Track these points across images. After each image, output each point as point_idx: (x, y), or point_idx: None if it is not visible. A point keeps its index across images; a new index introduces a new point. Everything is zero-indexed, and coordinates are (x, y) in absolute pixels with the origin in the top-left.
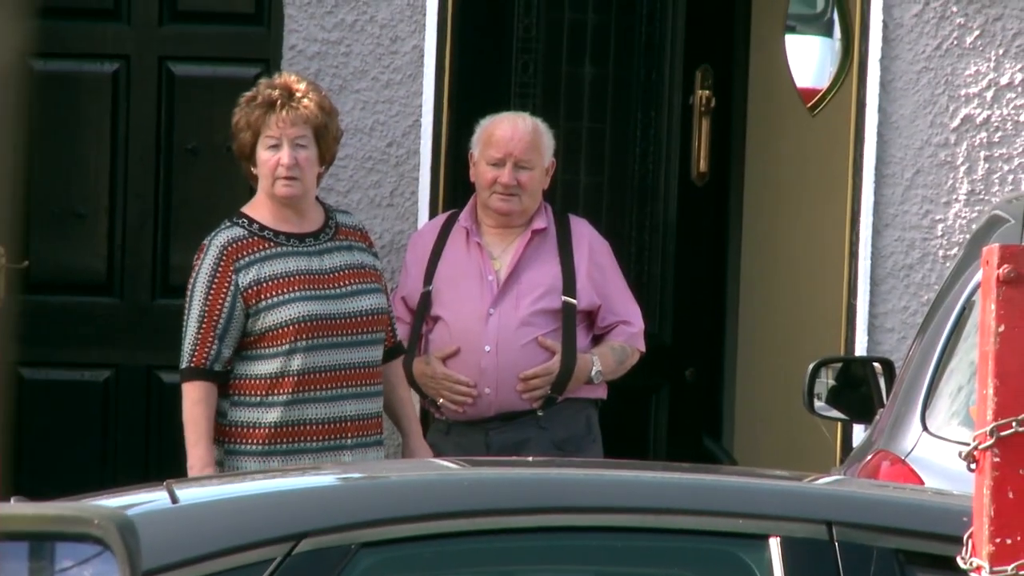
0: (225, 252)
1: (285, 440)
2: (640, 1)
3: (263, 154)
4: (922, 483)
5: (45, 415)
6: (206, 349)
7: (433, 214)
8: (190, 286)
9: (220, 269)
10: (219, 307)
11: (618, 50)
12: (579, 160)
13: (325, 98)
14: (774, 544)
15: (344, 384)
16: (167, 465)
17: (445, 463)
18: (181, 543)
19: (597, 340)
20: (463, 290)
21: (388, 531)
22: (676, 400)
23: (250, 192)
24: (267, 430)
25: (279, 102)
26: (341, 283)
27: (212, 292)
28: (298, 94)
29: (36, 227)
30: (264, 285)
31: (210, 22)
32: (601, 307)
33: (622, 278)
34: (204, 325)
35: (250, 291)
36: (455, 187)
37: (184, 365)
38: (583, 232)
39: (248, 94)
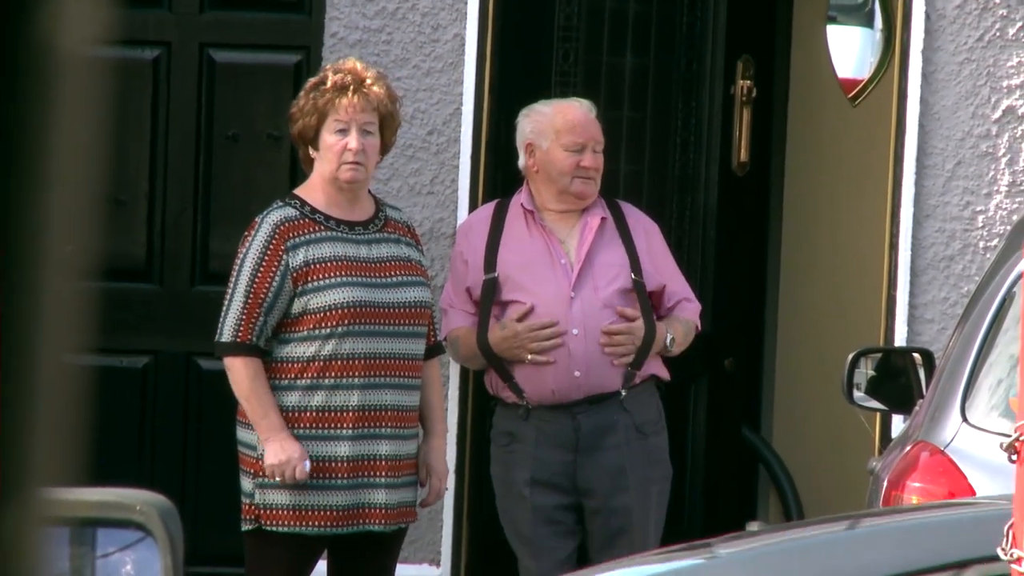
0: (278, 230)
1: (320, 425)
2: None
3: (329, 138)
4: (961, 474)
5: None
6: (252, 324)
7: (473, 202)
8: (238, 260)
9: (272, 246)
10: (268, 283)
11: (659, 39)
12: (619, 149)
13: (391, 87)
14: None
15: (382, 373)
16: (205, 452)
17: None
18: None
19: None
20: (539, 274)
21: None
22: (715, 390)
23: (291, 178)
24: (302, 414)
25: (351, 88)
26: (388, 273)
27: (262, 268)
28: (368, 80)
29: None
30: (313, 267)
31: (251, 9)
32: (665, 288)
33: (673, 260)
34: (251, 300)
35: (299, 272)
36: (495, 175)
37: (227, 339)
38: (637, 217)
39: (314, 79)
